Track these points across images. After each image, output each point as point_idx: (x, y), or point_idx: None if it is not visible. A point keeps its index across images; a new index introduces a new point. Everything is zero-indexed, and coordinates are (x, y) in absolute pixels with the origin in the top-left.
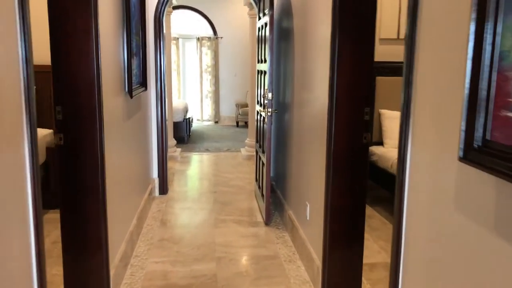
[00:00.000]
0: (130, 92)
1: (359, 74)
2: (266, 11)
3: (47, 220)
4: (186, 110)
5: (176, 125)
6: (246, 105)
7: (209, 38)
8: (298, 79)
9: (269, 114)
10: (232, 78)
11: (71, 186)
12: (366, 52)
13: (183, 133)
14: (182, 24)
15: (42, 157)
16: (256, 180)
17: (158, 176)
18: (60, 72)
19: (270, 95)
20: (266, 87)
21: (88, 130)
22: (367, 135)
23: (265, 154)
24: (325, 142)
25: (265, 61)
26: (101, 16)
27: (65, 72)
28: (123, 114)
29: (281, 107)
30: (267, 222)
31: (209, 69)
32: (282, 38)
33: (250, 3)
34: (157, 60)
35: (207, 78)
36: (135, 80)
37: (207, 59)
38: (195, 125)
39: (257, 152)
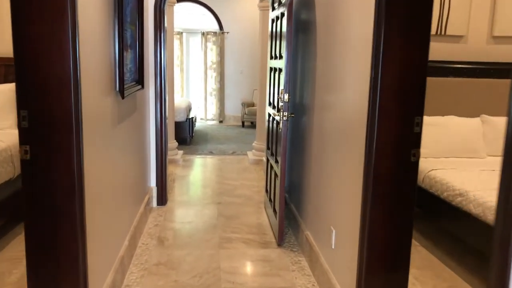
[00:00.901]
0: (121, 92)
1: (411, 76)
2: (283, 0)
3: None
4: (189, 109)
5: (178, 125)
6: (252, 104)
7: (215, 33)
8: (320, 79)
9: (284, 118)
10: (238, 76)
11: (38, 210)
12: (419, 49)
13: (185, 134)
14: (186, 18)
15: (13, 171)
16: (266, 191)
17: (156, 184)
18: (24, 67)
19: (286, 96)
20: (281, 87)
21: (61, 140)
22: (417, 152)
23: (279, 165)
24: (362, 158)
25: (281, 57)
26: None
27: (32, 67)
28: (113, 117)
29: (297, 109)
30: (280, 243)
31: (214, 66)
32: (299, 31)
33: None
34: (157, 55)
35: (212, 75)
36: (129, 77)
37: (212, 55)
38: (198, 124)
39: (268, 160)
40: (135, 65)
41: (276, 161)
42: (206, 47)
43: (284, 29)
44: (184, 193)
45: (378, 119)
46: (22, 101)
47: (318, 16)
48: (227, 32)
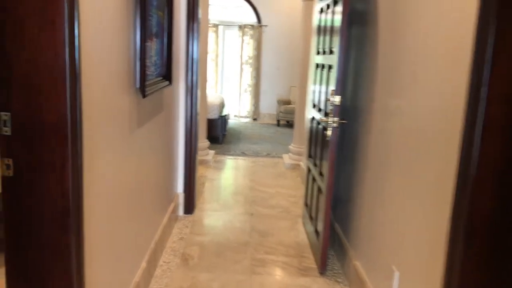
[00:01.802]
0: (143, 89)
1: None
2: None
3: None
4: (222, 106)
5: (211, 123)
6: (289, 102)
7: (252, 26)
8: (382, 79)
9: (334, 124)
10: (274, 72)
11: (23, 242)
12: None
13: (217, 132)
14: (223, 9)
15: None
16: (306, 205)
17: (184, 191)
18: (4, 53)
19: (338, 98)
20: (331, 87)
21: (53, 151)
22: None
23: (325, 179)
24: (447, 185)
25: (330, 52)
26: None
27: (14, 54)
28: (131, 120)
29: (348, 113)
30: (322, 271)
31: (250, 61)
32: (353, 23)
33: None
34: (188, 47)
35: (248, 71)
36: (154, 71)
37: (249, 49)
38: (231, 122)
39: (309, 170)
40: (162, 58)
41: (321, 174)
42: (242, 40)
43: (337, 20)
44: (214, 199)
45: (482, 140)
46: (2, 100)
47: (381, 5)
48: (265, 25)
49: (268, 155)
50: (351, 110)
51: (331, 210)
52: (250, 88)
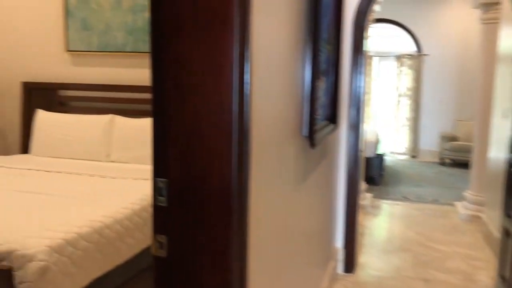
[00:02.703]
0: (311, 138)
1: None
2: None
3: None
4: (378, 143)
5: (367, 162)
6: (455, 139)
7: (411, 55)
8: None
9: None
10: (435, 104)
11: None
12: None
13: (374, 172)
14: (378, 39)
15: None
16: (503, 279)
17: (344, 245)
18: (164, 103)
19: None
20: None
21: (214, 230)
22: None
23: None
24: None
25: None
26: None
27: (176, 105)
28: (296, 175)
29: None
30: None
31: (409, 93)
32: None
33: (485, 4)
34: (353, 82)
35: (406, 103)
36: (321, 114)
37: (407, 81)
38: (387, 159)
39: (507, 233)
40: (329, 98)
41: None
42: (400, 71)
43: None
44: (376, 256)
45: None
46: (160, 163)
47: None
48: (426, 55)
49: (435, 201)
50: None
51: None
52: (408, 122)
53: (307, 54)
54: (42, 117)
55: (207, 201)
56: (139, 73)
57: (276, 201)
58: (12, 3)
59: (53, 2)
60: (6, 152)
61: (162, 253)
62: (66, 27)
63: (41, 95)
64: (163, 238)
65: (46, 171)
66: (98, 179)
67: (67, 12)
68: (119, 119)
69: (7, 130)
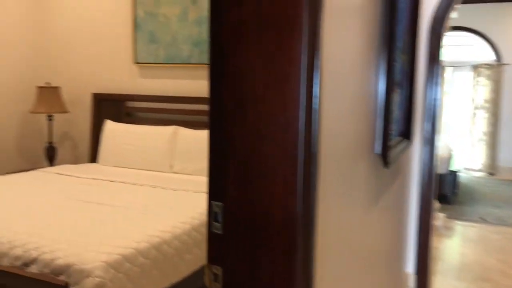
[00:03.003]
0: (384, 156)
1: None
2: None
3: None
4: (451, 158)
5: (439, 179)
6: None
7: (490, 65)
8: None
9: None
10: None
11: None
12: None
13: (447, 190)
14: (452, 48)
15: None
16: None
17: (416, 271)
18: (221, 122)
19: None
20: None
21: (277, 262)
22: None
23: None
24: None
25: None
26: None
27: (235, 123)
28: (368, 197)
29: None
30: None
31: (486, 105)
32: None
33: None
34: (427, 92)
35: (482, 117)
36: (395, 129)
37: (484, 92)
38: (461, 176)
39: None
40: (402, 111)
41: None
42: (476, 82)
43: None
44: (453, 285)
45: None
46: (216, 186)
47: None
48: (507, 64)
49: None
50: None
51: None
52: (485, 137)
53: (381, 63)
54: (110, 127)
55: (266, 233)
56: (203, 85)
57: (345, 231)
58: (84, 17)
59: (122, 15)
60: (76, 161)
61: (217, 286)
62: (135, 40)
63: (110, 106)
64: (218, 270)
65: (110, 181)
66: (160, 190)
67: (136, 25)
68: (183, 131)
69: (78, 139)
